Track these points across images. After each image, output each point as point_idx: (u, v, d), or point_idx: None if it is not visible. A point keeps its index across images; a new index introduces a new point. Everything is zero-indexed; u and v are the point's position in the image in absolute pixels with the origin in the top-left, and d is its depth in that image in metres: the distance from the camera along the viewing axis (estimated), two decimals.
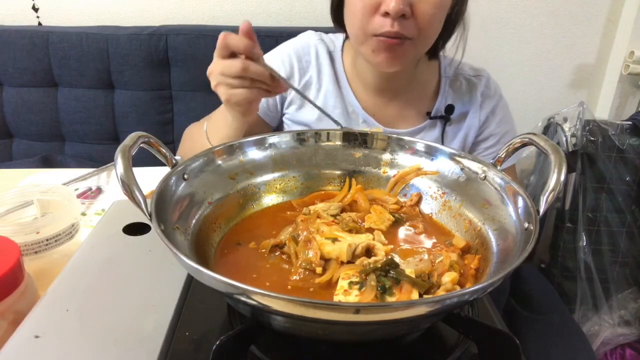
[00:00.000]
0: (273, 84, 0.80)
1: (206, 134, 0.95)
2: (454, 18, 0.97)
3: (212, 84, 0.82)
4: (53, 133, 1.65)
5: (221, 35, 0.76)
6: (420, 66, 1.06)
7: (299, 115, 1.10)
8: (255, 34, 0.77)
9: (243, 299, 0.42)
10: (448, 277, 0.55)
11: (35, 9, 1.66)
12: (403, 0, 0.82)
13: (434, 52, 1.04)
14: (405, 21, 0.85)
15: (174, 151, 1.65)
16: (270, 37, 1.56)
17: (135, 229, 0.72)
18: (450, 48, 1.05)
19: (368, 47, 0.91)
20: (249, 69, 0.76)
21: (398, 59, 0.91)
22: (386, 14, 0.85)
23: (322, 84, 1.09)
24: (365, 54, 0.94)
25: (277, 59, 1.11)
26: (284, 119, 1.13)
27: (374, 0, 0.85)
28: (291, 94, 1.10)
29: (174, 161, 0.62)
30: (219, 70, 0.78)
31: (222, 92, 0.81)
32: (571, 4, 1.77)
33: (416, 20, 0.86)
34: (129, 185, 0.51)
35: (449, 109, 1.08)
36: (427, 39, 0.92)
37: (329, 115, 0.82)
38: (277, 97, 1.10)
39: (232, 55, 0.77)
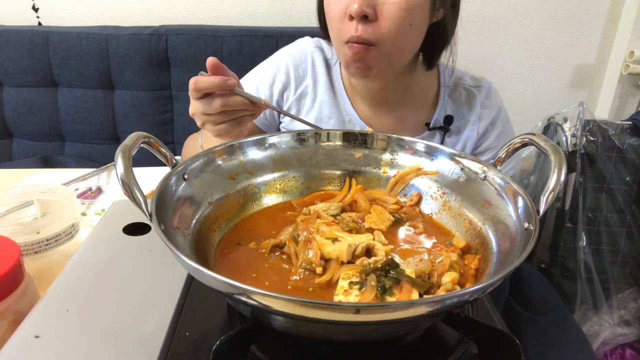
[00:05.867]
0: (255, 107, 0.80)
1: (202, 149, 0.95)
2: (447, 27, 0.95)
3: (198, 124, 0.83)
4: (53, 133, 1.65)
5: (191, 81, 0.76)
6: (417, 76, 1.05)
7: (294, 125, 1.09)
8: (223, 64, 0.77)
9: (243, 299, 0.42)
10: (448, 277, 0.55)
11: (35, 9, 1.66)
12: (364, 1, 0.82)
13: (430, 63, 1.02)
14: (369, 25, 0.84)
15: (174, 151, 1.65)
16: (270, 37, 1.57)
17: (135, 229, 0.72)
18: (443, 55, 1.02)
19: (342, 57, 0.92)
20: (228, 103, 0.77)
21: (369, 68, 0.89)
22: (351, 18, 0.85)
23: (317, 94, 1.08)
24: (342, 65, 0.95)
25: (274, 67, 1.10)
26: (280, 127, 1.13)
27: (343, 6, 0.86)
28: (287, 104, 1.10)
29: (174, 161, 0.62)
30: (199, 111, 0.79)
31: (209, 129, 0.82)
32: (571, 4, 1.77)
33: (381, 23, 0.85)
34: (129, 185, 0.51)
35: (448, 119, 1.06)
36: (396, 44, 0.88)
37: (314, 126, 0.82)
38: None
39: (209, 93, 0.77)
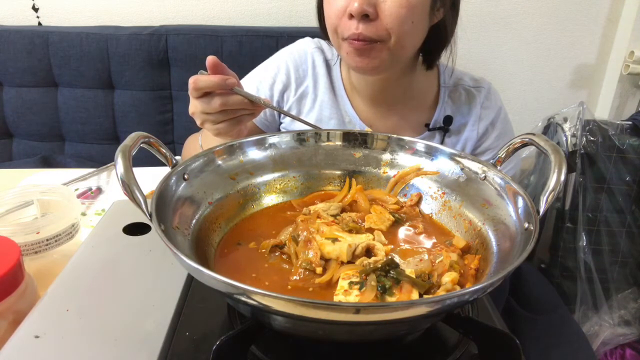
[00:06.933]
0: (254, 106, 0.80)
1: (202, 149, 0.95)
2: (447, 27, 0.95)
3: (198, 123, 0.83)
4: (53, 133, 1.65)
5: (191, 80, 0.77)
6: (417, 76, 1.04)
7: (294, 126, 1.09)
8: (222, 63, 0.78)
9: (243, 299, 0.42)
10: (448, 277, 0.55)
11: (35, 9, 1.66)
12: (365, 0, 0.82)
13: (430, 63, 1.02)
14: (370, 23, 0.84)
15: (174, 151, 1.65)
16: (270, 37, 1.57)
17: (135, 229, 0.72)
18: (442, 56, 1.02)
19: (343, 52, 0.92)
20: (228, 102, 0.77)
21: (372, 61, 0.89)
22: (351, 16, 0.85)
23: (317, 94, 1.08)
24: (343, 58, 0.95)
25: (274, 68, 1.10)
26: (280, 127, 1.13)
27: (342, 4, 0.86)
28: (287, 104, 1.10)
29: (174, 161, 0.62)
30: (199, 110, 0.79)
31: (209, 128, 0.82)
32: (571, 4, 1.77)
33: (383, 21, 0.85)
34: (129, 185, 0.51)
35: (447, 120, 1.06)
36: (401, 41, 0.88)
37: (314, 126, 0.82)
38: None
39: (208, 92, 0.77)
